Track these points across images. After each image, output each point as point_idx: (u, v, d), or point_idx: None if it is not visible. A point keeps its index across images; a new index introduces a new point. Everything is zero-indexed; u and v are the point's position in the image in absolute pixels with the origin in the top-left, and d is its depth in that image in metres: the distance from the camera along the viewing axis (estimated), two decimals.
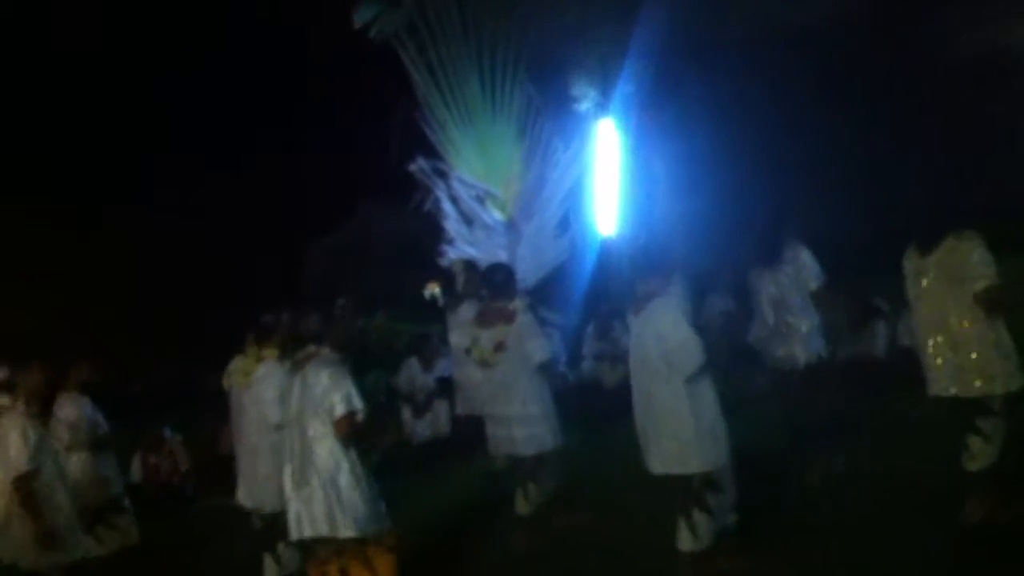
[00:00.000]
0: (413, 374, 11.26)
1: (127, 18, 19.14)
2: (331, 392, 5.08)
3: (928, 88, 15.09)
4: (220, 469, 11.47)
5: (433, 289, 17.02)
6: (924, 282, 5.30)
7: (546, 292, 12.71)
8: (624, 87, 14.89)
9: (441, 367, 11.10)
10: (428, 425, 10.91)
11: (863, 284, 10.49)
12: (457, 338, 8.12)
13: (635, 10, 14.06)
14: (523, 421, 6.35)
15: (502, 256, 13.65)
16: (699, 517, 5.13)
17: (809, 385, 6.86)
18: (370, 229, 21.26)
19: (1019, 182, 12.81)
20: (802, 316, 6.98)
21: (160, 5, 19.10)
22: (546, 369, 6.51)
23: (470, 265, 8.91)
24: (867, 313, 10.17)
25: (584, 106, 15.08)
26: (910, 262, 5.41)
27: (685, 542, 5.14)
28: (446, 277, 14.35)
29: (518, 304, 6.52)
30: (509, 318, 6.40)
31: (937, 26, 14.78)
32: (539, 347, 6.42)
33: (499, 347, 6.37)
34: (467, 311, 7.67)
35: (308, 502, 5.07)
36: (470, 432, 8.24)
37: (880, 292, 10.39)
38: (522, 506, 6.43)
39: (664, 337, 5.10)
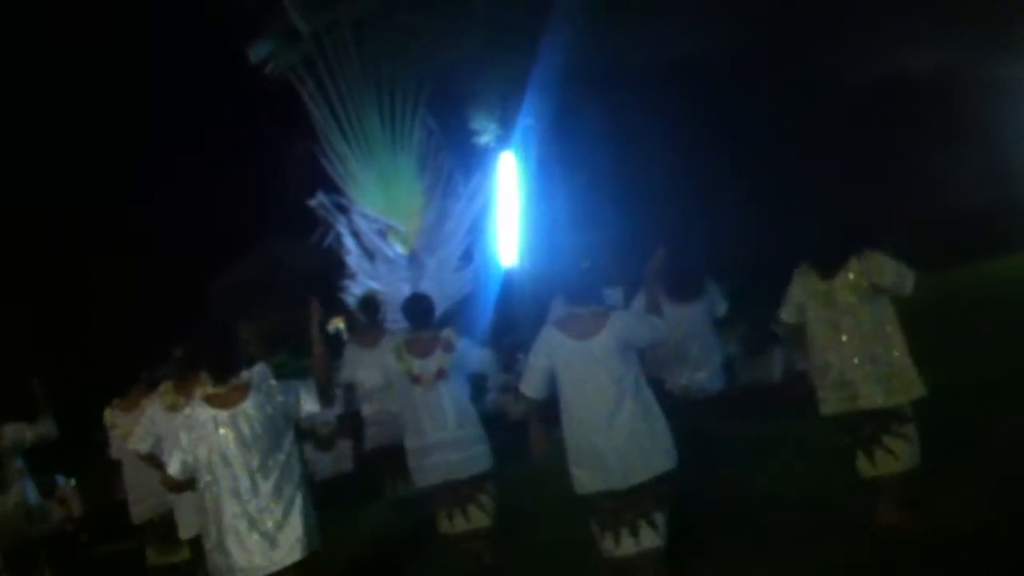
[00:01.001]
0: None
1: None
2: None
3: (820, 117, 15.57)
4: (115, 515, 11.20)
5: (338, 324, 16.84)
6: (831, 302, 5.46)
7: (450, 324, 12.67)
8: (524, 120, 15.05)
9: (339, 404, 10.98)
10: (332, 461, 10.75)
11: (761, 311, 10.72)
12: (367, 374, 8.03)
13: (533, 44, 14.23)
14: (464, 443, 6.44)
15: (405, 289, 13.58)
16: (659, 516, 5.24)
17: (715, 412, 6.98)
18: (270, 265, 20.96)
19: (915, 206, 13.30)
20: (713, 347, 7.13)
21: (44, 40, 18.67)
22: (486, 379, 6.63)
23: (373, 299, 8.89)
24: (765, 339, 10.36)
25: (485, 139, 15.19)
26: (808, 286, 5.56)
27: (648, 539, 5.21)
28: (350, 312, 14.25)
29: (449, 332, 6.61)
30: (447, 346, 6.50)
31: (829, 56, 15.24)
32: (485, 357, 6.73)
33: (440, 375, 6.44)
34: (386, 343, 7.65)
35: (272, 536, 4.97)
36: (377, 467, 8.18)
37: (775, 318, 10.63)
38: (449, 526, 6.46)
39: (626, 351, 5.30)
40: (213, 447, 4.92)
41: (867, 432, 5.44)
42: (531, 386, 5.47)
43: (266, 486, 4.96)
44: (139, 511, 7.35)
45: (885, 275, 5.38)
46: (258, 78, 14.91)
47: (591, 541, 5.46)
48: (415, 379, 6.49)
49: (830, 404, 5.53)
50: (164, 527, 6.64)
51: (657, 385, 6.91)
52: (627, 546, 5.27)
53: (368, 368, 8.02)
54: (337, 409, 10.99)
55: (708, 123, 15.94)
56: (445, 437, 6.43)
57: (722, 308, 7.61)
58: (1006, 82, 15.31)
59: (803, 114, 15.57)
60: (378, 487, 8.50)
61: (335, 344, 15.74)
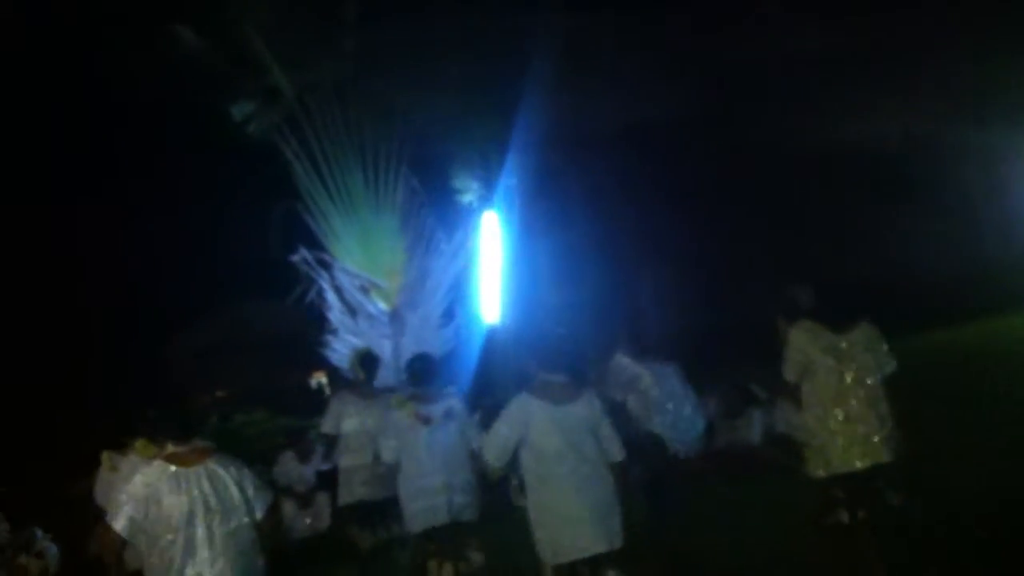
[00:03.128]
0: (290, 467, 11.06)
1: None
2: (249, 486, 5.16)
3: (782, 181, 15.87)
4: (89, 572, 11.04)
5: (320, 378, 16.84)
6: (846, 356, 5.64)
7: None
8: (505, 180, 15.20)
9: (317, 461, 10.95)
10: (309, 519, 10.67)
11: (740, 371, 10.80)
12: (354, 423, 8.02)
13: (514, 106, 14.42)
14: (464, 489, 6.54)
15: (387, 345, 13.60)
16: None
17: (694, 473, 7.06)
18: (240, 326, 20.86)
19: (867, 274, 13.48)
20: (692, 408, 7.23)
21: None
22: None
23: (371, 354, 8.95)
24: (744, 401, 10.41)
25: (467, 198, 15.32)
26: (818, 341, 5.67)
27: None
28: (331, 367, 14.24)
29: (450, 391, 6.86)
30: (453, 395, 6.80)
31: (799, 117, 15.54)
32: (476, 432, 6.68)
33: (449, 415, 6.60)
34: (380, 402, 7.72)
35: None
36: (356, 521, 8.16)
37: (755, 379, 10.74)
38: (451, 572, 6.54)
39: (599, 425, 5.40)
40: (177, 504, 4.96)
41: (851, 497, 5.55)
42: (492, 453, 5.47)
43: (226, 545, 4.99)
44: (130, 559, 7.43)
45: (883, 345, 5.67)
46: (240, 135, 15.01)
47: None
48: (424, 420, 6.56)
49: (835, 459, 5.60)
50: None
51: (655, 441, 7.02)
52: None
53: (356, 418, 8.01)
54: (316, 466, 10.99)
55: (672, 186, 16.21)
56: (455, 480, 6.52)
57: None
58: (971, 148, 15.69)
59: (766, 178, 15.87)
60: (353, 544, 8.46)
61: (317, 398, 15.73)
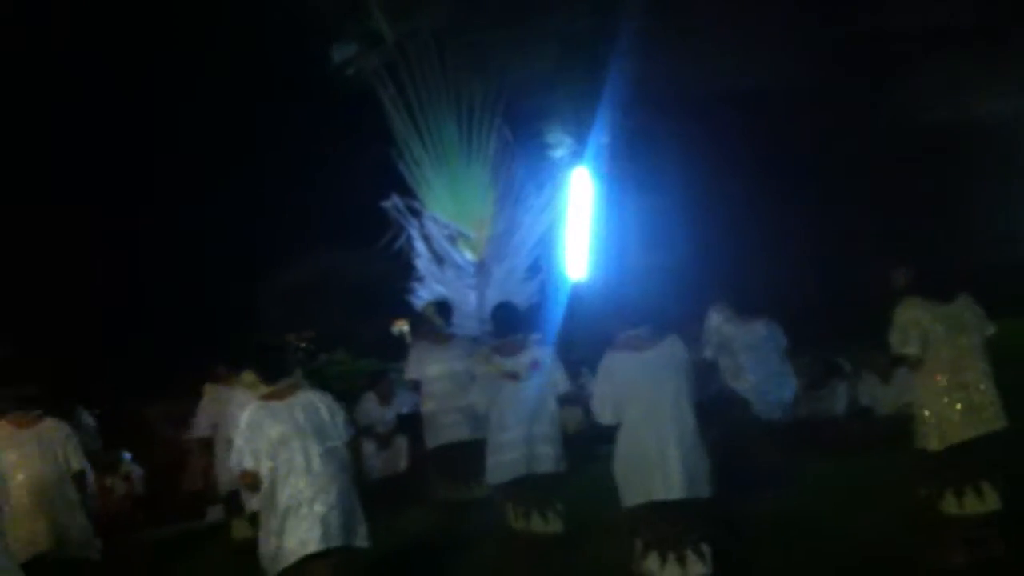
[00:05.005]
0: (370, 408, 11.22)
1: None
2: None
3: (891, 153, 15.44)
4: (175, 500, 11.44)
5: (402, 327, 17.01)
6: (960, 325, 5.68)
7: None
8: (598, 137, 15.08)
9: (398, 404, 11.11)
10: (387, 460, 10.84)
11: (824, 344, 10.65)
12: (436, 370, 8.13)
13: (611, 62, 14.28)
14: (550, 439, 6.62)
15: (472, 296, 13.70)
16: (706, 547, 5.34)
17: (779, 440, 7.00)
18: (335, 265, 21.19)
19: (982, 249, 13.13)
20: (787, 375, 7.15)
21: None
22: (565, 401, 6.88)
23: (447, 303, 9.05)
24: (830, 372, 10.29)
25: (559, 153, 15.25)
26: (932, 312, 5.68)
27: (694, 569, 5.25)
28: (414, 315, 14.37)
29: (536, 337, 6.92)
30: (537, 345, 6.84)
31: (904, 93, 15.12)
32: (564, 377, 6.79)
33: (535, 365, 6.66)
34: (458, 346, 7.84)
35: (326, 516, 5.27)
36: (434, 467, 8.27)
37: (840, 353, 10.60)
38: (553, 525, 6.60)
39: (682, 368, 5.47)
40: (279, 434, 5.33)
41: (962, 471, 5.48)
42: (605, 414, 5.60)
43: (324, 465, 5.34)
44: (226, 481, 7.68)
45: (982, 311, 5.73)
46: (338, 80, 15.15)
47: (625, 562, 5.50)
48: (511, 375, 6.62)
49: (950, 430, 5.56)
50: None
51: (741, 403, 6.99)
52: (672, 572, 5.28)
53: (437, 364, 8.11)
54: (396, 409, 11.14)
55: (773, 151, 15.89)
56: (538, 431, 6.58)
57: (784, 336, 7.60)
58: None
59: (865, 150, 15.48)
60: (432, 488, 8.57)
61: (399, 347, 15.91)
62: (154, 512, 10.98)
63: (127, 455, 11.01)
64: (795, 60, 14.60)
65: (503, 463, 6.64)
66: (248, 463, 5.33)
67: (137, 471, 11.20)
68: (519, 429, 6.57)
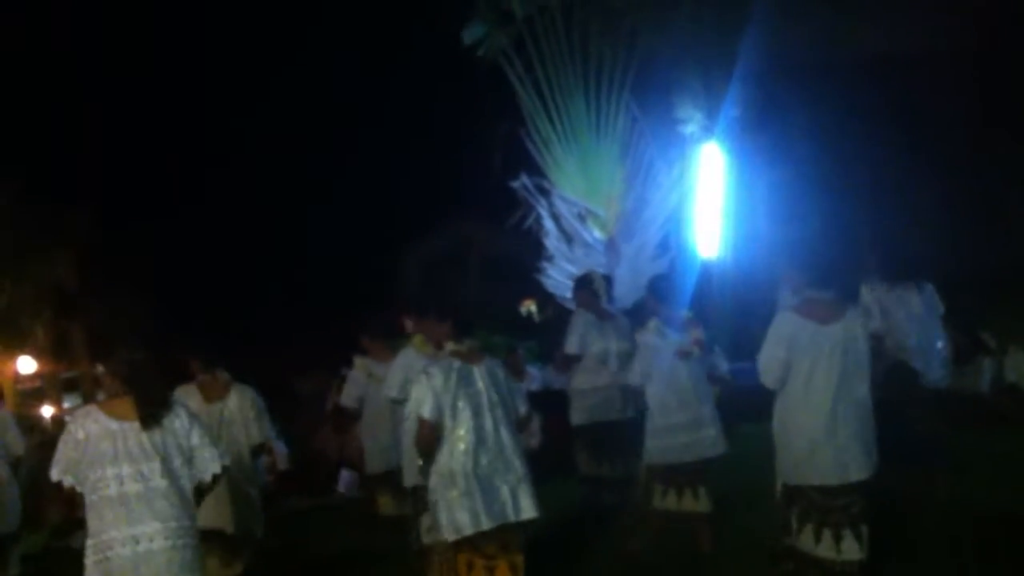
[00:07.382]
0: None
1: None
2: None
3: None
4: (308, 473, 11.81)
5: (530, 306, 17.13)
6: None
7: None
8: (729, 110, 14.84)
9: (529, 380, 11.14)
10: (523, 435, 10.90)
11: (968, 319, 10.31)
12: (601, 345, 7.94)
13: (740, 34, 14.02)
14: (714, 421, 6.50)
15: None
16: (864, 528, 5.11)
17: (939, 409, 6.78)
18: (462, 243, 21.45)
19: None
20: (936, 339, 6.93)
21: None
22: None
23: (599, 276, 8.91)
24: (975, 348, 9.98)
25: (688, 129, 15.07)
26: None
27: (852, 552, 5.13)
28: (544, 294, 14.47)
29: (689, 314, 6.70)
30: (696, 322, 6.64)
31: None
32: (722, 357, 6.81)
33: (698, 343, 6.52)
34: (620, 323, 7.81)
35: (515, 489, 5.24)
36: (580, 444, 8.21)
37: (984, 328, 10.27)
38: (703, 505, 6.49)
39: (863, 347, 5.19)
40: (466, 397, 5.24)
41: None
42: (771, 377, 5.20)
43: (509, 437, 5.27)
44: (375, 462, 7.79)
45: None
46: (469, 59, 15.30)
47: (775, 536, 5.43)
48: (684, 354, 6.49)
49: None
50: (398, 478, 6.82)
51: (910, 373, 6.76)
52: (827, 549, 5.15)
53: (600, 341, 7.92)
54: (527, 384, 11.20)
55: (911, 121, 15.34)
56: (703, 413, 6.48)
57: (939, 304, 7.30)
58: None
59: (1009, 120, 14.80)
60: (573, 465, 8.54)
61: (527, 326, 16.08)
62: (291, 485, 11.33)
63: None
64: (948, 24, 13.98)
65: (671, 447, 6.46)
66: (430, 413, 5.19)
67: (280, 447, 11.45)
68: (686, 412, 6.43)
